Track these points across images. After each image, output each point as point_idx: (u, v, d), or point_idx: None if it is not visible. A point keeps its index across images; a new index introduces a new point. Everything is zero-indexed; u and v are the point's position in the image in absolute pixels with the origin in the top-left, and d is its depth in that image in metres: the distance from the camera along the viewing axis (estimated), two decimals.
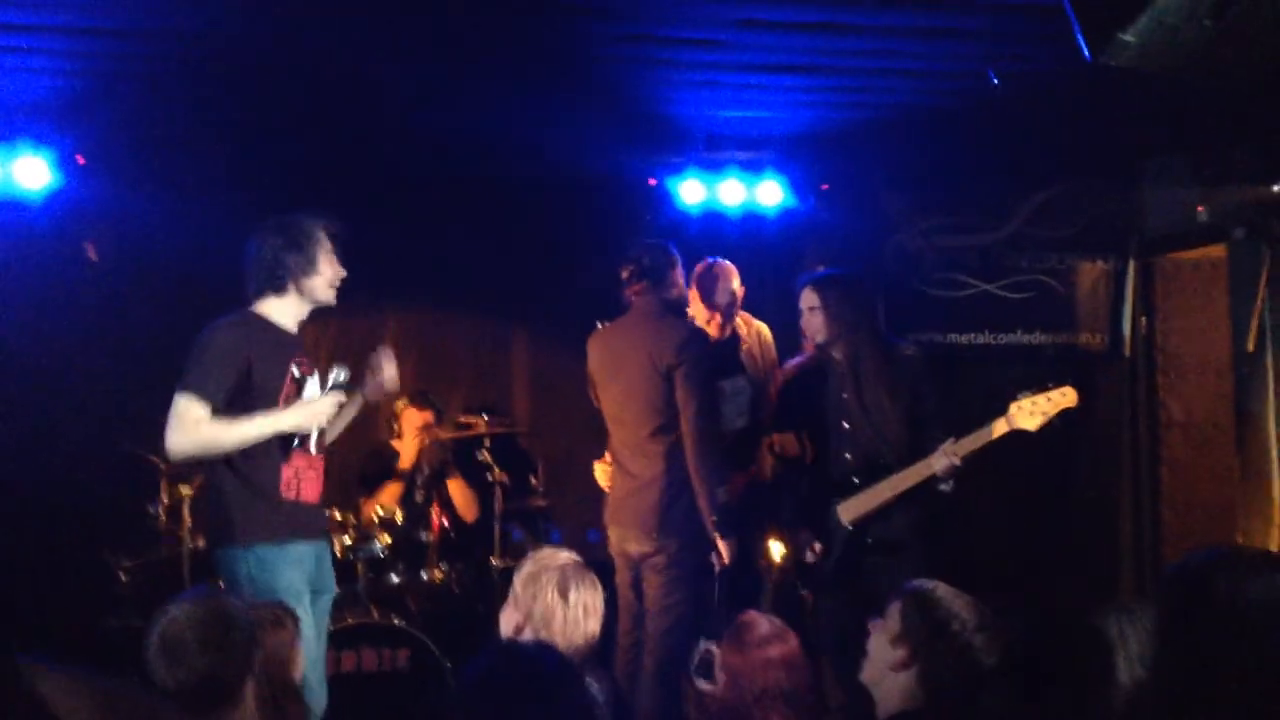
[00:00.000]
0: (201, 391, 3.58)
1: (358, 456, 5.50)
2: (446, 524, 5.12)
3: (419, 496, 4.96)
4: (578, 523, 5.24)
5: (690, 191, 5.47)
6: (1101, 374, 5.81)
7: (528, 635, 2.82)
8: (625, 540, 4.47)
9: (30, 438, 5.15)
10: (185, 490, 4.51)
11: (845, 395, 4.15)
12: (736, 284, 4.81)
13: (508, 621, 2.88)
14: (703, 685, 3.12)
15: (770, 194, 5.49)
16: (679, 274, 4.60)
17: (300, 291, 3.80)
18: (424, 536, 5.00)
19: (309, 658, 3.36)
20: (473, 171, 5.47)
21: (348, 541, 4.76)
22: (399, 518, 4.85)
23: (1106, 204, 5.92)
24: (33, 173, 4.90)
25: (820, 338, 4.20)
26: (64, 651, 2.36)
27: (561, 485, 5.61)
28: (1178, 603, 2.57)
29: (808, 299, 4.23)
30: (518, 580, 2.89)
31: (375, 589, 4.80)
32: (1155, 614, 2.64)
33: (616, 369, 4.51)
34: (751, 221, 5.54)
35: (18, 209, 4.99)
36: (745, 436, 4.76)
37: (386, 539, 4.78)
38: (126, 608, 4.55)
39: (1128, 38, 2.76)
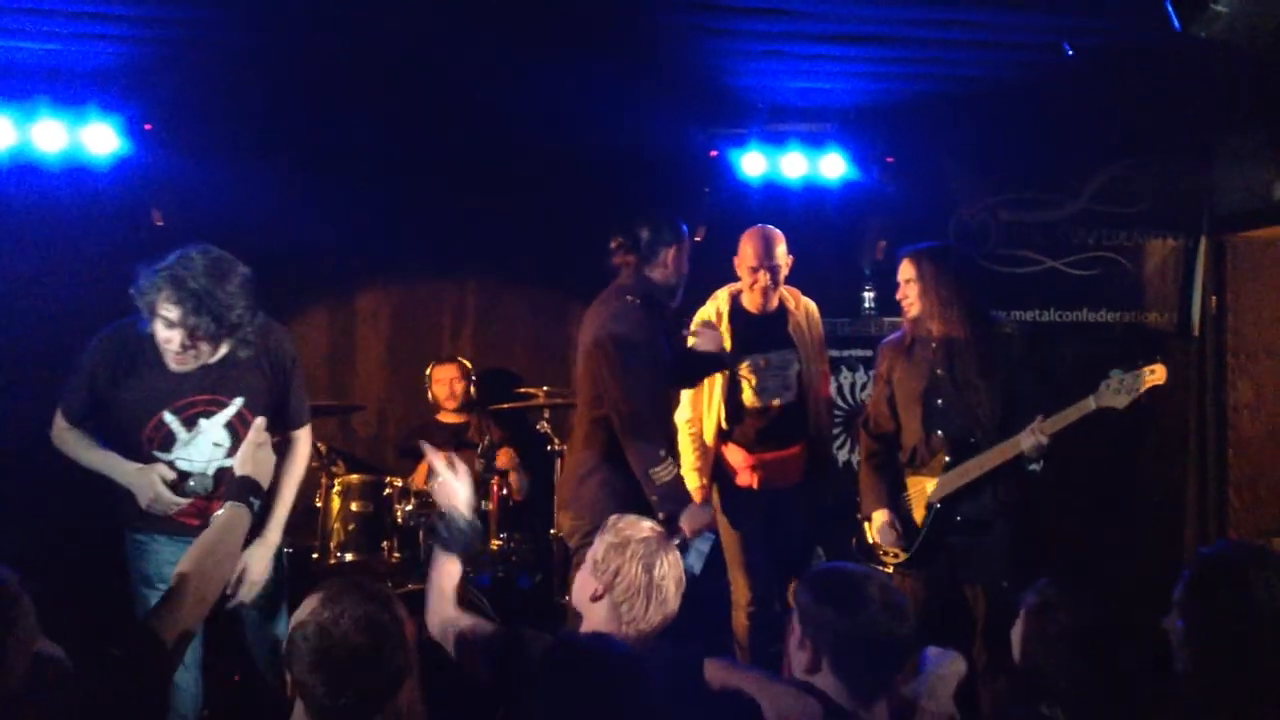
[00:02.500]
0: (61, 398, 3.32)
1: (409, 428, 5.55)
2: (505, 494, 5.13)
3: (479, 466, 4.97)
4: None
5: (752, 163, 5.42)
6: (1169, 354, 5.69)
7: (604, 607, 2.59)
8: (562, 523, 4.21)
9: None
10: None
11: (939, 371, 4.08)
12: (782, 250, 4.56)
13: (583, 588, 2.64)
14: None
15: (833, 166, 5.43)
16: (674, 255, 4.16)
17: None
18: (483, 505, 5.02)
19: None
20: (532, 145, 5.44)
21: (408, 509, 4.86)
22: None
23: (1177, 181, 5.81)
24: (101, 139, 4.94)
25: (915, 311, 4.11)
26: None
27: None
28: (1205, 594, 2.52)
29: (904, 271, 4.14)
30: (600, 546, 2.64)
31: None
32: (1185, 603, 2.58)
33: (580, 347, 4.22)
34: (813, 194, 5.48)
35: (86, 175, 5.04)
36: (792, 412, 4.59)
37: None
38: None
39: (1220, 8, 2.69)
